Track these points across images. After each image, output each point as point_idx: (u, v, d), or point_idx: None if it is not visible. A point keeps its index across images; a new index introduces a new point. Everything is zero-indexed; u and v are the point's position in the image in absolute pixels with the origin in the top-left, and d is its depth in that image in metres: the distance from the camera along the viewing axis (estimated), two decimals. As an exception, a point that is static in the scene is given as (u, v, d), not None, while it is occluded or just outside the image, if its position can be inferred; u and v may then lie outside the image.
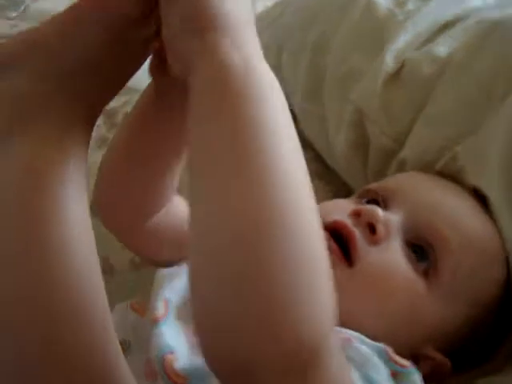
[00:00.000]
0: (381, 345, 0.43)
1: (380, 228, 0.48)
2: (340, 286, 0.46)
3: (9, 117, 0.36)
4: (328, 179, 0.83)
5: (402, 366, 0.42)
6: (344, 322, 0.43)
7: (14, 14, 1.72)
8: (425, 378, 0.43)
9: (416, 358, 0.46)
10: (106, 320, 0.34)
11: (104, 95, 0.40)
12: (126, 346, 0.47)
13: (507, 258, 0.51)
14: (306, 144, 0.92)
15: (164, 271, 0.52)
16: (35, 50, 0.37)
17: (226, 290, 0.29)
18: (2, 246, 0.33)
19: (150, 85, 0.46)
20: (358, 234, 0.48)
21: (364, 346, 0.42)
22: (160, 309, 0.47)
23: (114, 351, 0.34)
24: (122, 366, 0.34)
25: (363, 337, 0.44)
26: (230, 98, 0.32)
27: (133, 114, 0.50)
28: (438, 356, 0.48)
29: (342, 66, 0.79)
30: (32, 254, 0.33)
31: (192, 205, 0.32)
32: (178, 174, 0.51)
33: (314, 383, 0.30)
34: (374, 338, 0.43)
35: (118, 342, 0.35)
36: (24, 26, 1.60)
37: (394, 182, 0.59)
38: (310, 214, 0.32)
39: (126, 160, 0.50)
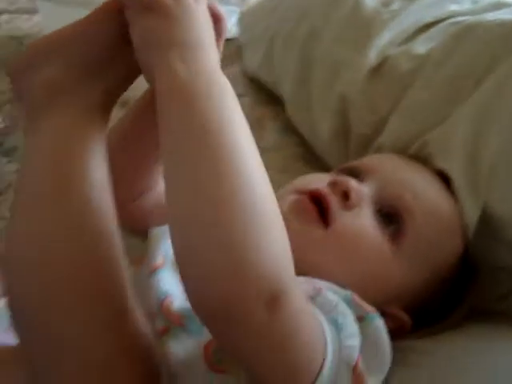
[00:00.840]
0: (348, 292, 0.48)
1: (353, 195, 0.55)
2: (315, 245, 0.53)
3: (42, 99, 0.45)
4: (312, 162, 0.90)
5: (367, 310, 0.47)
6: (317, 277, 0.50)
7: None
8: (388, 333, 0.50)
9: (381, 315, 0.52)
10: (121, 255, 0.42)
11: (119, 83, 0.48)
12: None
13: (465, 232, 0.58)
14: (293, 129, 0.99)
15: (158, 229, 0.58)
16: (63, 45, 0.46)
17: (197, 240, 0.35)
18: (43, 194, 0.41)
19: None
20: (333, 199, 0.55)
21: (332, 292, 0.47)
22: (158, 259, 0.54)
23: (127, 283, 0.41)
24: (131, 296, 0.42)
25: (333, 285, 0.48)
26: (179, 100, 0.39)
27: (133, 108, 0.57)
28: (401, 314, 0.54)
29: (329, 57, 0.85)
30: (66, 203, 0.41)
31: (167, 172, 0.39)
32: None
33: (281, 316, 0.36)
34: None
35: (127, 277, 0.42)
36: (23, 2, 1.64)
37: (369, 160, 0.66)
38: (262, 178, 0.38)
39: (123, 141, 0.57)
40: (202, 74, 0.41)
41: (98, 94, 0.46)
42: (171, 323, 0.47)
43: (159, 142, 0.40)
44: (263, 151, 0.94)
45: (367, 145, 0.76)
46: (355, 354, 0.43)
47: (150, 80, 0.43)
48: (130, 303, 0.41)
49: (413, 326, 0.55)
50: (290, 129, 0.99)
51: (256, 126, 1.01)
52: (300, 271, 0.42)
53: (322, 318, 0.43)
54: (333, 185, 0.56)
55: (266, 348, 0.37)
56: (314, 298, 0.45)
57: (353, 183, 0.56)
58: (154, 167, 0.58)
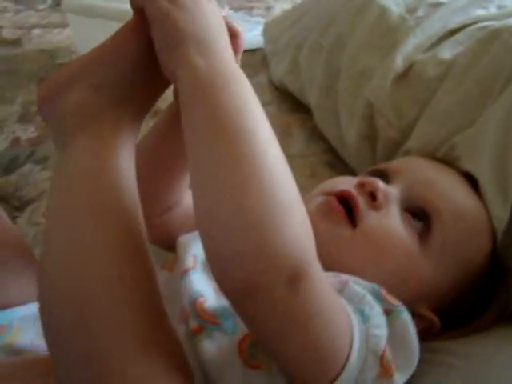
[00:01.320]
0: (375, 285, 0.48)
1: (380, 196, 0.55)
2: (343, 245, 0.54)
3: (71, 125, 0.45)
4: (339, 168, 0.91)
5: (394, 304, 0.48)
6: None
7: (41, 7, 1.81)
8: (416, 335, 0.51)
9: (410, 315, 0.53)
10: (154, 267, 0.43)
11: (148, 99, 0.49)
12: None
13: (494, 233, 0.59)
14: (319, 136, 1.00)
15: (186, 235, 0.60)
16: (90, 69, 0.46)
17: (224, 229, 0.37)
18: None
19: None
20: (360, 200, 0.56)
21: (359, 285, 0.47)
22: (189, 262, 0.55)
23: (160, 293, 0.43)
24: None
25: (359, 279, 0.49)
26: (202, 93, 0.41)
27: (158, 122, 0.58)
28: (430, 314, 0.54)
29: (356, 64, 0.86)
30: (104, 219, 0.42)
31: (192, 168, 0.41)
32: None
33: (302, 295, 0.37)
34: None
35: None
36: (55, 17, 1.68)
37: (397, 162, 0.66)
38: (281, 163, 0.40)
39: (150, 156, 0.58)
40: (220, 67, 0.42)
41: (127, 113, 0.47)
42: (205, 322, 0.48)
43: (184, 140, 0.41)
44: (291, 158, 0.97)
45: (395, 149, 0.77)
46: (382, 344, 0.44)
47: (174, 81, 0.44)
48: (163, 309, 0.42)
49: (441, 328, 0.55)
50: (316, 136, 1.01)
51: (283, 134, 1.03)
52: (327, 270, 0.43)
53: (349, 308, 0.44)
54: (360, 186, 0.57)
55: (288, 329, 0.38)
56: (341, 291, 0.46)
57: (380, 184, 0.57)
58: (180, 181, 0.60)
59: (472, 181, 0.62)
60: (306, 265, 0.38)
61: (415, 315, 0.51)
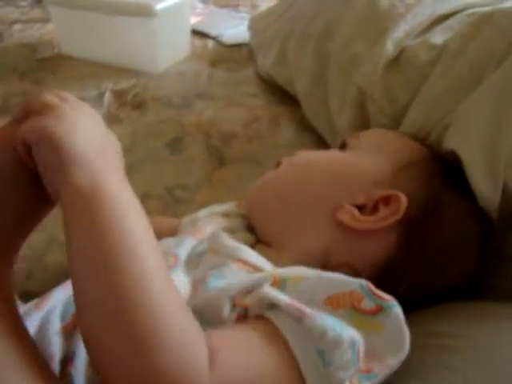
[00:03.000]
0: (362, 280, 0.45)
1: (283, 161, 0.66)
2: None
3: None
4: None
5: (384, 299, 0.44)
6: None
7: (22, 3, 1.78)
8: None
9: (375, 206, 0.56)
10: None
11: (13, 237, 0.46)
12: None
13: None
14: (308, 127, 0.99)
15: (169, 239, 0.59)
16: None
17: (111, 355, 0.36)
18: None
19: None
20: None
21: (324, 315, 0.43)
22: (170, 260, 0.53)
23: None
24: None
25: (343, 276, 0.46)
26: (82, 212, 0.40)
27: None
28: (392, 191, 0.56)
29: (345, 52, 0.86)
30: None
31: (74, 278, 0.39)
32: None
33: None
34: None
35: None
36: (36, 13, 1.66)
37: (361, 135, 0.69)
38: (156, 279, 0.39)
39: None
40: (102, 186, 0.41)
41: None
42: None
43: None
44: (280, 148, 0.95)
45: (387, 136, 0.76)
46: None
47: (57, 200, 0.43)
48: None
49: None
50: (305, 127, 1.00)
51: (271, 125, 1.01)
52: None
53: (302, 355, 0.41)
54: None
55: None
56: (299, 320, 0.42)
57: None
58: None
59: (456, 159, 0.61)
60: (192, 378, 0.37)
61: (378, 203, 0.56)
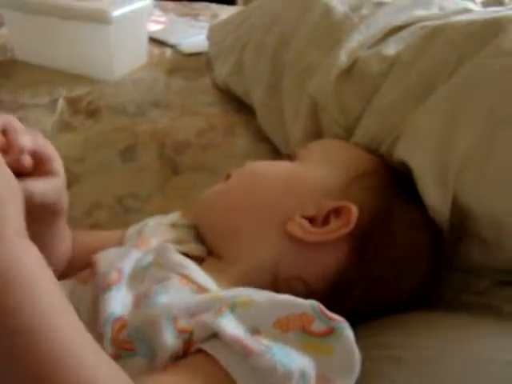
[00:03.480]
0: (313, 301, 0.45)
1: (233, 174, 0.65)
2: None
3: None
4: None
5: (335, 320, 0.44)
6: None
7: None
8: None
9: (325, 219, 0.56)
10: None
11: None
12: None
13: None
14: (263, 137, 0.98)
15: (107, 251, 0.57)
16: None
17: None
18: None
19: None
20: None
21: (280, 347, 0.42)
22: (113, 276, 0.51)
23: None
24: None
25: (292, 298, 0.45)
26: None
27: None
28: (341, 202, 0.56)
29: (300, 62, 0.85)
30: None
31: None
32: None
33: None
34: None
35: None
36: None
37: (311, 145, 0.69)
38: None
39: None
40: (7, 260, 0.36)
41: None
42: (121, 350, 0.45)
43: None
44: (234, 157, 0.94)
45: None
46: None
47: None
48: None
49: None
50: (261, 137, 0.99)
51: (227, 134, 1.00)
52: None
53: None
54: None
55: None
56: (245, 356, 0.40)
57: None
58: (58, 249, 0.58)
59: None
60: None
61: (329, 215, 0.55)
